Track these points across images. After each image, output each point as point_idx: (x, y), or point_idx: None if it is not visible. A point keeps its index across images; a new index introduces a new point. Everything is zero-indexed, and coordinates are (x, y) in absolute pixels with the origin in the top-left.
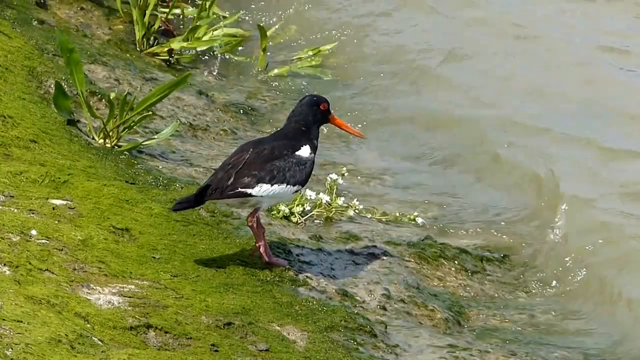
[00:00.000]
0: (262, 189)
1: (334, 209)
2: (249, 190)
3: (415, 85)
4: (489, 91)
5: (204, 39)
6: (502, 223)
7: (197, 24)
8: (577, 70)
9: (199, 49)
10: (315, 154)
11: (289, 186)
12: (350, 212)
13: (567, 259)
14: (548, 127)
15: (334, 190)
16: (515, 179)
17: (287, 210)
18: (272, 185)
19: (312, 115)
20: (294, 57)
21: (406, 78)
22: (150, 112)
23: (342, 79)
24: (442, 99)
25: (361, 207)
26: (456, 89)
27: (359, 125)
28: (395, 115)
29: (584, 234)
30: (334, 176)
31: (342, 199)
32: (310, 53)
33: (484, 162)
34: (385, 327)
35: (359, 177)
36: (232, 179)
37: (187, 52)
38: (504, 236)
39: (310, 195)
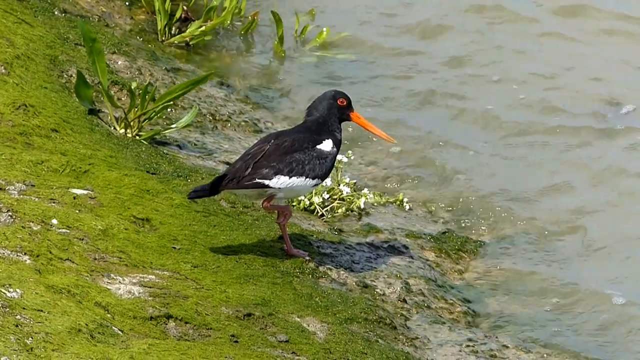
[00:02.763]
0: (279, 181)
1: (354, 201)
2: (266, 182)
3: (432, 67)
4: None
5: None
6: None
7: (212, 5)
8: None
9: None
10: (338, 149)
11: (307, 179)
12: (362, 202)
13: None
14: None
15: (339, 172)
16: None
17: (307, 202)
18: (290, 177)
19: (329, 109)
20: (311, 41)
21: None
22: (172, 102)
23: (363, 61)
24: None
25: (371, 195)
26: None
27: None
28: (407, 97)
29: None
30: (338, 156)
31: (349, 185)
32: (323, 36)
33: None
34: (405, 320)
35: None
36: (249, 169)
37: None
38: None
39: (326, 183)
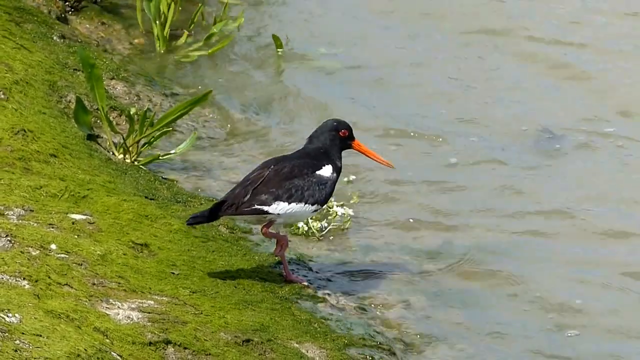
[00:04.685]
0: (279, 207)
1: (349, 220)
2: (265, 208)
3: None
4: None
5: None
6: None
7: (212, 32)
8: None
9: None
10: (338, 175)
11: (307, 205)
12: (343, 212)
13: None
14: None
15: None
16: None
17: (305, 228)
18: (289, 203)
19: (331, 140)
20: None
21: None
22: (170, 128)
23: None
24: None
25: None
26: None
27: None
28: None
29: None
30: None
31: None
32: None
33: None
34: (405, 345)
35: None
36: (248, 195)
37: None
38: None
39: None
